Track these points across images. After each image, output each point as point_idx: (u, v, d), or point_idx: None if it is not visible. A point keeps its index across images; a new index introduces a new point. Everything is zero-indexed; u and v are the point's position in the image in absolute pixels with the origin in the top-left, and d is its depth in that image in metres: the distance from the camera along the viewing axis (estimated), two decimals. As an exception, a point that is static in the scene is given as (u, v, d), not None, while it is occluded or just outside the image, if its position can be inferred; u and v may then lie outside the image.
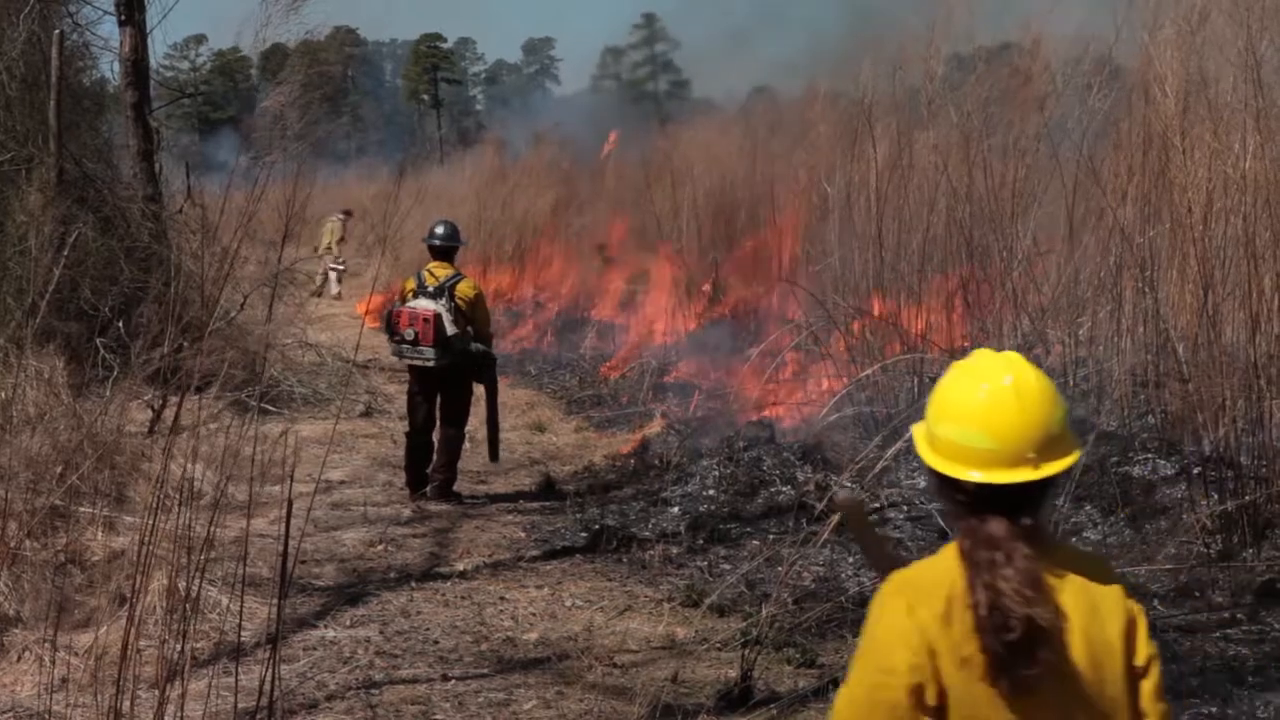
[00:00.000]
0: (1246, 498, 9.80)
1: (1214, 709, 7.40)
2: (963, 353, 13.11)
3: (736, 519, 11.69)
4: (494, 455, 13.05)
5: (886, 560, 3.67)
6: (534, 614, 9.31)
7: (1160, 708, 3.28)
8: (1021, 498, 3.21)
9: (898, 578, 3.34)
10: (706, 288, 22.48)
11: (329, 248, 32.66)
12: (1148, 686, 3.27)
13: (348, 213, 33.78)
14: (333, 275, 32.64)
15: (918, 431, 3.40)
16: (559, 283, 28.65)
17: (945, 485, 3.30)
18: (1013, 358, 3.33)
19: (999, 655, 3.12)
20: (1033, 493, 3.23)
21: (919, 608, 3.20)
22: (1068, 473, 3.25)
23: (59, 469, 9.79)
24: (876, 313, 14.41)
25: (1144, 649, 3.27)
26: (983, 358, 3.36)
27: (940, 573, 3.26)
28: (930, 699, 3.18)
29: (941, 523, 10.59)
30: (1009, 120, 14.33)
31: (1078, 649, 3.18)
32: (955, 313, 14.17)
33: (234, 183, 18.27)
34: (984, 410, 3.24)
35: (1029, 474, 3.19)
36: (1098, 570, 3.32)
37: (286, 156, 20.05)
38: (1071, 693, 3.17)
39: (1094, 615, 3.22)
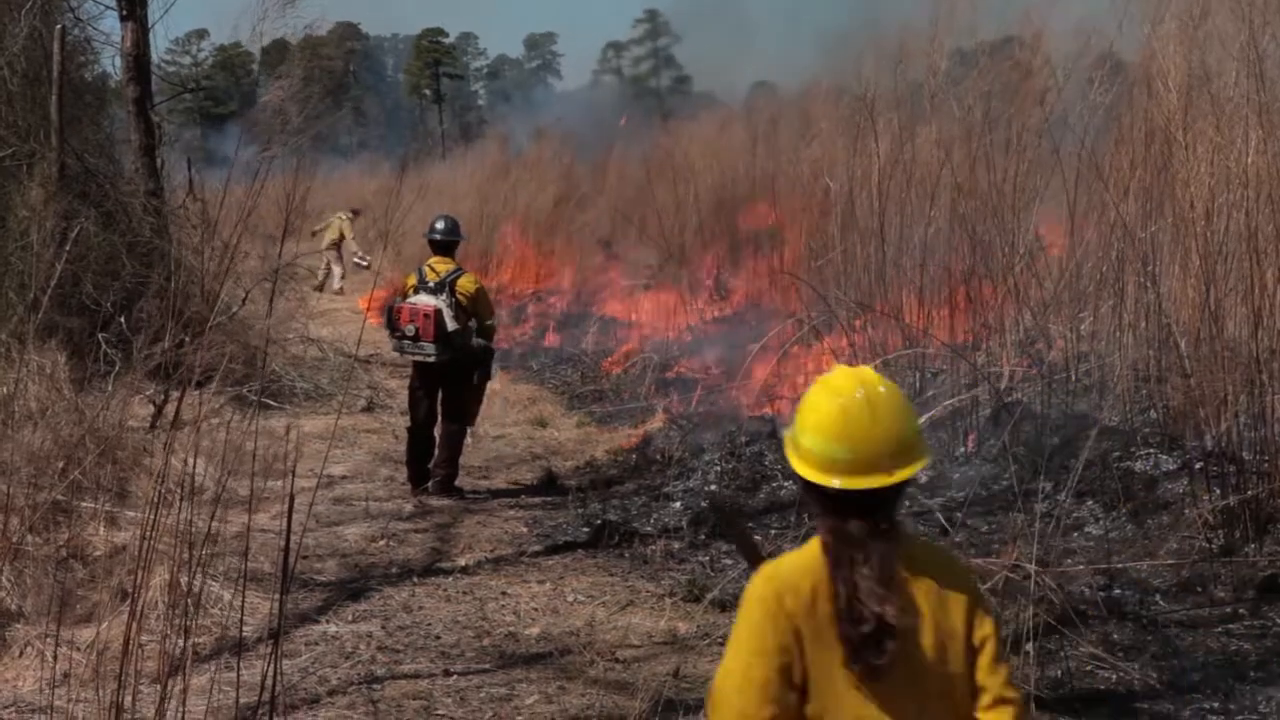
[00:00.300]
0: (1248, 493, 9.78)
1: (1216, 704, 7.40)
2: (964, 347, 13.14)
3: (739, 514, 11.68)
4: (471, 423, 13.05)
5: (756, 554, 4.18)
6: (536, 609, 9.31)
7: (997, 679, 3.59)
8: (878, 501, 3.53)
9: (769, 569, 3.65)
10: (709, 283, 22.49)
11: (332, 245, 32.67)
12: (984, 660, 3.58)
13: (355, 212, 33.79)
14: (336, 271, 32.68)
15: (787, 440, 3.67)
16: (561, 278, 28.67)
17: (810, 489, 3.59)
18: (865, 373, 3.63)
19: (853, 643, 3.47)
20: (888, 496, 3.55)
21: (787, 596, 3.53)
22: (918, 476, 3.59)
23: (61, 464, 9.79)
24: (878, 308, 14.39)
25: (981, 629, 3.59)
26: (839, 373, 3.64)
27: (806, 565, 3.59)
28: (796, 678, 3.51)
29: (941, 519, 10.60)
30: (1011, 115, 14.30)
31: (926, 638, 3.53)
32: (957, 307, 14.15)
33: (235, 177, 18.28)
34: (840, 423, 3.53)
35: (883, 480, 3.49)
36: (947, 563, 3.74)
37: (287, 151, 20.05)
38: (918, 676, 3.52)
39: (941, 606, 3.56)
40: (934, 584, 3.59)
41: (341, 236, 32.67)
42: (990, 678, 3.59)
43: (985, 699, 3.59)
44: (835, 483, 3.51)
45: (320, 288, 31.70)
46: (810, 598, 3.53)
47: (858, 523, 3.52)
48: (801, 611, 3.52)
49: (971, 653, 3.59)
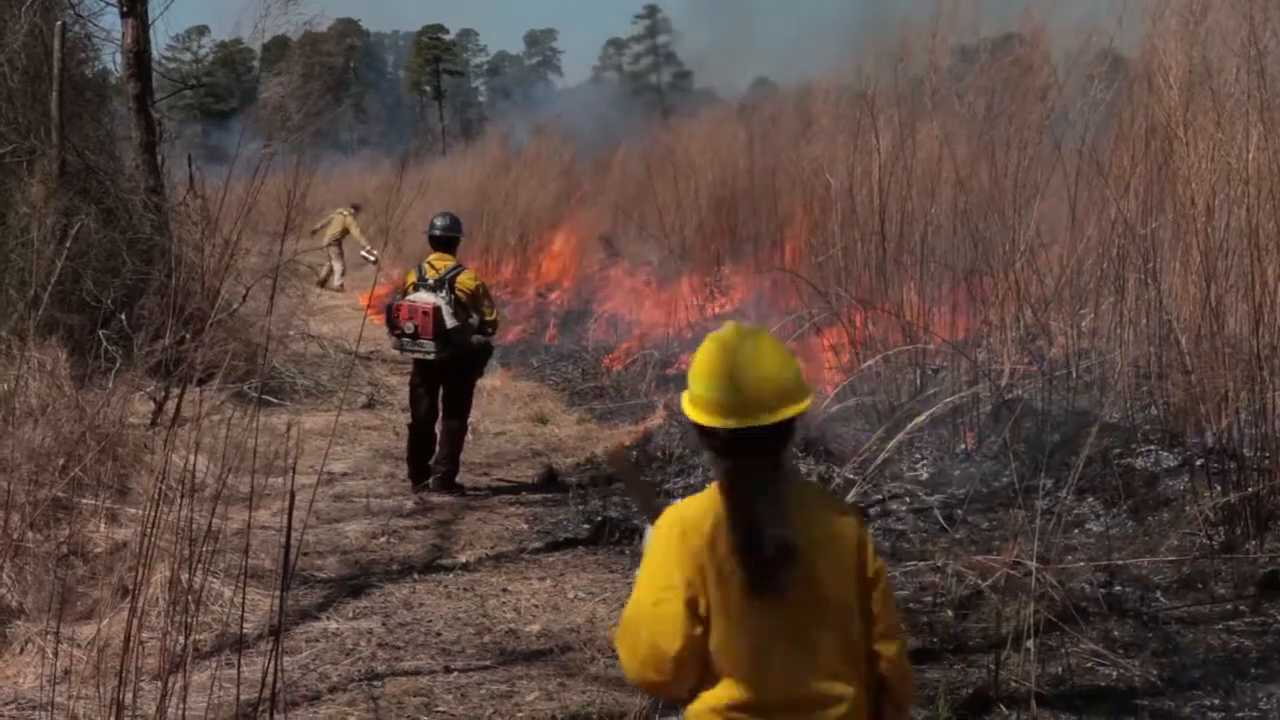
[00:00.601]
0: (1249, 489, 9.78)
1: (1217, 701, 7.40)
2: (965, 344, 13.14)
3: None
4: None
5: (653, 503, 4.35)
6: (536, 606, 9.31)
7: (888, 610, 3.99)
8: (766, 439, 3.84)
9: (672, 512, 3.96)
10: (710, 279, 22.48)
11: (334, 241, 32.70)
12: (878, 594, 3.96)
13: (356, 207, 33.82)
14: (337, 268, 32.72)
15: (684, 396, 3.96)
16: (562, 275, 28.67)
17: (704, 433, 3.93)
18: (752, 327, 4.00)
19: (753, 571, 3.76)
20: (776, 435, 3.85)
21: (690, 534, 3.82)
22: (803, 416, 3.89)
23: (61, 461, 9.79)
24: (878, 304, 14.39)
25: (874, 564, 3.98)
26: (727, 328, 3.98)
27: (706, 506, 3.89)
28: (701, 610, 3.78)
29: (940, 516, 10.61)
30: (1012, 111, 14.30)
31: (818, 563, 3.84)
32: (958, 304, 14.15)
33: (235, 173, 18.27)
34: (727, 369, 3.85)
35: (767, 419, 3.80)
36: (835, 503, 4.13)
37: (287, 148, 20.04)
38: (814, 604, 3.83)
39: (832, 540, 3.90)
40: (825, 520, 3.93)
41: (344, 232, 32.68)
42: (884, 609, 3.97)
43: (879, 628, 3.96)
44: (728, 423, 3.82)
45: (323, 283, 31.75)
46: (711, 535, 3.81)
47: (750, 461, 3.83)
48: (704, 548, 3.79)
49: (864, 585, 3.93)
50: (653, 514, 4.14)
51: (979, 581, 8.45)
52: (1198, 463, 10.41)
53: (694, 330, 20.47)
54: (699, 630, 3.78)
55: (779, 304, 18.26)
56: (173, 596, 6.63)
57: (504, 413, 16.78)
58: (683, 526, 3.86)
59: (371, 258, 31.96)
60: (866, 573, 3.94)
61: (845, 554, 3.91)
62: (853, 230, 15.47)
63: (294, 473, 7.58)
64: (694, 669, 3.82)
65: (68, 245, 13.25)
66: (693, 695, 3.90)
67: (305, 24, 23.44)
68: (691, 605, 3.78)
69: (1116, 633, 8.35)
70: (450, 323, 12.17)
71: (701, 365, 3.90)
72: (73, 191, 15.57)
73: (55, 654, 6.86)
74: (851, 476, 10.65)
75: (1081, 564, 9.36)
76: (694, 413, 3.90)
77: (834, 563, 3.88)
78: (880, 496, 11.70)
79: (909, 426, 8.93)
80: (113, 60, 19.69)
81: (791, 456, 4.00)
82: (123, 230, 16.12)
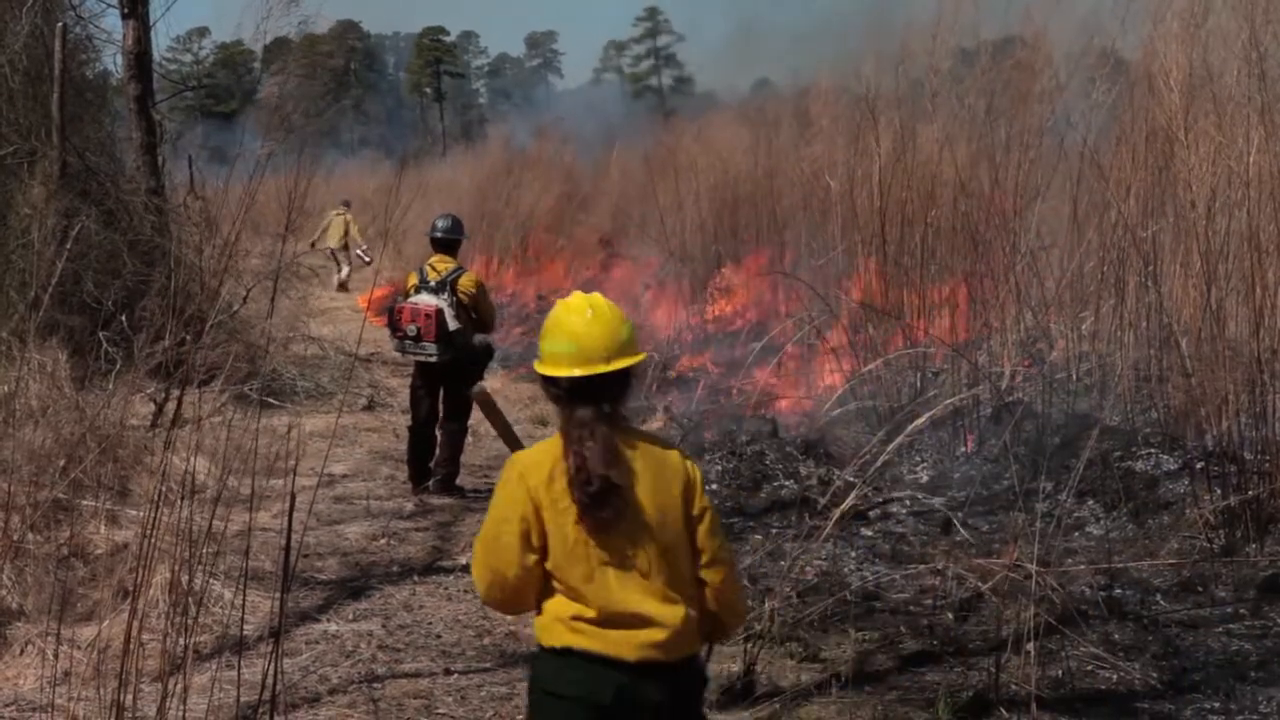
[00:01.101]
0: (1249, 493, 9.78)
1: (1217, 704, 7.39)
2: (966, 347, 13.14)
3: (739, 513, 11.69)
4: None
5: (515, 442, 5.20)
6: (536, 608, 9.30)
7: (714, 543, 4.53)
8: (601, 390, 4.42)
9: (516, 457, 4.59)
10: (710, 282, 22.49)
11: (344, 245, 32.75)
12: (703, 528, 4.50)
13: (347, 204, 33.86)
14: (344, 268, 32.77)
15: (536, 362, 4.55)
16: (562, 277, 28.67)
17: (549, 384, 4.53)
18: (592, 295, 4.59)
19: (585, 503, 4.32)
20: (610, 385, 4.44)
21: (529, 475, 4.41)
22: (638, 370, 4.51)
23: (62, 462, 9.79)
24: (879, 307, 14.39)
25: (699, 502, 4.51)
26: (574, 295, 4.60)
27: (547, 449, 4.48)
28: (535, 540, 4.39)
29: (942, 519, 10.61)
30: (1012, 114, 14.30)
31: (645, 499, 4.39)
32: (958, 307, 14.16)
33: (235, 175, 18.27)
34: (567, 325, 4.48)
35: (602, 368, 4.40)
36: (665, 448, 4.56)
37: (286, 149, 20.04)
38: (640, 533, 4.38)
39: (659, 476, 4.44)
40: (653, 462, 4.47)
41: (346, 233, 32.72)
42: (709, 542, 4.51)
43: (704, 558, 4.50)
44: (571, 372, 4.43)
45: (345, 285, 32.00)
46: (548, 474, 4.39)
47: (585, 408, 4.41)
48: (541, 486, 4.38)
49: (690, 521, 4.49)
50: (514, 450, 4.90)
51: (979, 584, 8.44)
52: (1198, 466, 10.42)
53: (694, 333, 20.48)
54: (533, 559, 4.40)
55: (780, 306, 18.29)
56: (173, 598, 6.62)
57: (505, 415, 16.76)
58: (521, 469, 4.46)
59: (367, 259, 32.01)
60: (692, 510, 4.49)
61: (671, 494, 4.46)
62: (853, 233, 15.49)
63: (294, 475, 7.58)
64: (531, 590, 4.46)
65: (68, 246, 13.25)
66: (540, 609, 4.50)
67: (301, 22, 23.36)
68: (525, 537, 4.38)
69: (1117, 636, 8.35)
70: (452, 325, 12.16)
71: (548, 326, 4.55)
72: (73, 193, 15.57)
73: (55, 656, 6.86)
74: (852, 479, 10.64)
75: (1082, 567, 9.36)
76: (541, 367, 4.52)
77: (660, 501, 4.43)
78: (880, 499, 11.71)
79: (909, 429, 8.91)
80: (114, 61, 19.66)
81: (628, 407, 4.58)
82: (123, 232, 16.11)
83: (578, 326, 4.46)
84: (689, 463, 4.56)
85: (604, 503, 4.32)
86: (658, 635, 4.38)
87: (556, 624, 4.44)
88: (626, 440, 4.46)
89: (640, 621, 4.37)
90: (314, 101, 22.23)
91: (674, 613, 4.40)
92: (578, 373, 4.42)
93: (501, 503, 4.47)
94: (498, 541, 4.44)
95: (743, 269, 22.53)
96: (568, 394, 4.44)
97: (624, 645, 4.37)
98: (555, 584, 4.44)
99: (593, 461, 4.33)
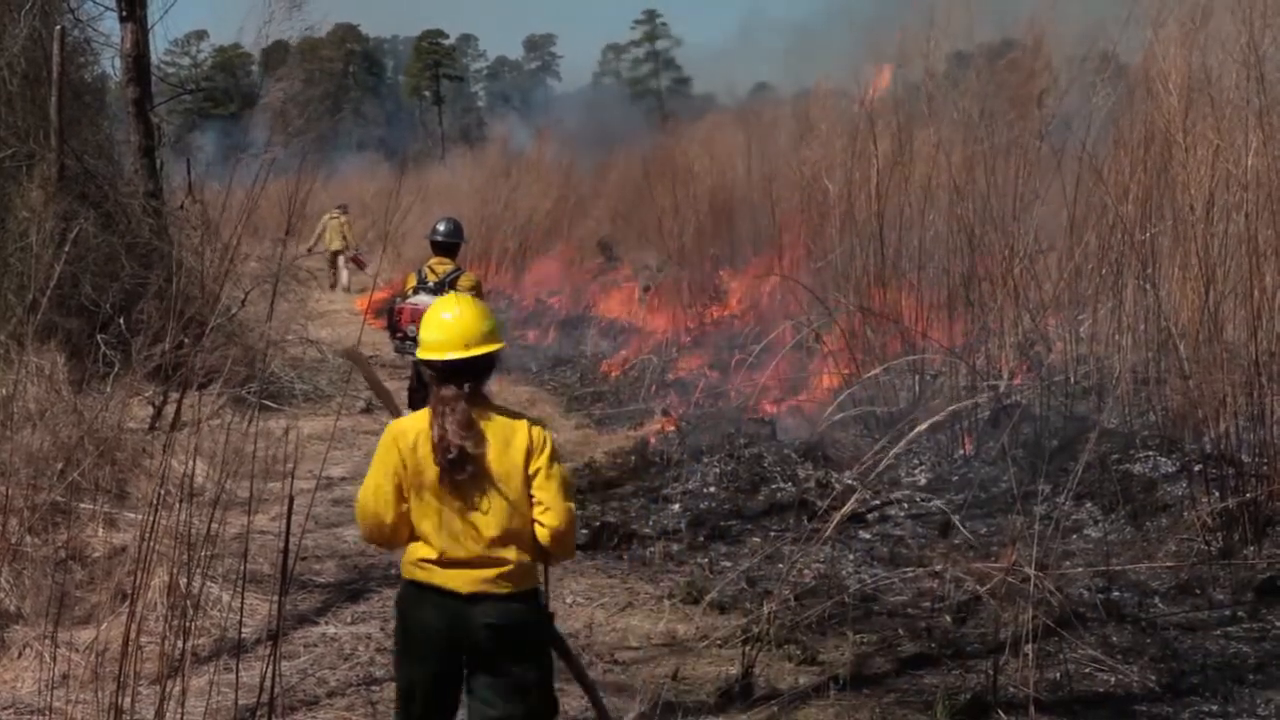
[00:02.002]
0: (1247, 495, 9.79)
1: (1215, 707, 7.40)
2: (963, 350, 13.14)
3: (737, 516, 11.70)
4: None
5: (392, 404, 6.29)
6: (534, 610, 9.28)
7: (549, 494, 5.44)
8: (464, 372, 5.43)
9: (392, 424, 5.59)
10: (709, 285, 22.49)
11: (345, 247, 32.80)
12: (538, 482, 5.44)
13: (343, 208, 33.89)
14: (344, 272, 32.83)
15: (418, 350, 5.65)
16: (560, 279, 28.67)
17: (425, 366, 5.60)
18: (461, 295, 5.97)
19: (444, 466, 5.34)
20: (470, 370, 5.45)
21: (399, 439, 5.44)
22: (498, 356, 5.55)
23: (60, 465, 9.79)
24: (878, 310, 14.39)
25: (534, 464, 5.46)
26: (448, 296, 6.00)
27: (416, 419, 5.51)
28: (406, 493, 5.42)
29: (940, 521, 10.60)
30: (1011, 118, 14.30)
31: (494, 463, 5.40)
32: (956, 310, 14.15)
33: (236, 178, 18.27)
34: (438, 318, 5.55)
35: (462, 353, 5.42)
36: (515, 420, 5.54)
37: (288, 153, 20.03)
38: (486, 488, 5.40)
39: (507, 443, 5.44)
40: (503, 432, 5.47)
41: (344, 241, 32.78)
42: (542, 492, 5.44)
43: (539, 508, 5.44)
44: (442, 356, 5.45)
45: (347, 287, 32.03)
46: (414, 440, 5.41)
47: (449, 387, 5.41)
48: (408, 449, 5.40)
49: (528, 480, 5.44)
50: (392, 411, 6.03)
51: (977, 587, 8.45)
52: (1196, 468, 10.42)
53: (692, 336, 20.48)
54: (404, 506, 5.44)
55: (778, 309, 18.28)
56: (171, 601, 6.62)
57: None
58: (395, 435, 5.48)
59: (362, 265, 32.10)
60: (529, 470, 5.44)
61: (515, 459, 5.43)
62: (850, 236, 15.48)
63: (292, 477, 7.57)
64: (403, 531, 5.49)
65: (66, 249, 13.25)
66: (406, 549, 5.55)
67: (307, 29, 23.37)
68: (398, 489, 5.42)
69: (1115, 638, 8.35)
70: (450, 326, 12.14)
71: (427, 320, 5.60)
72: (72, 196, 15.56)
73: (53, 659, 6.85)
74: (850, 482, 10.65)
75: (1080, 569, 9.37)
76: (421, 352, 5.57)
77: (505, 465, 5.42)
78: (879, 502, 11.71)
79: (909, 437, 8.91)
80: (112, 65, 19.64)
81: (489, 386, 5.60)
82: (121, 234, 16.10)
83: (445, 321, 5.53)
84: (535, 430, 5.55)
85: (459, 467, 5.34)
86: (488, 573, 5.42)
87: (409, 564, 5.56)
88: (482, 414, 5.46)
89: (481, 562, 5.42)
90: (315, 105, 22.17)
91: (504, 555, 5.42)
92: (442, 357, 5.47)
93: (379, 461, 5.49)
94: (378, 493, 5.46)
95: (741, 272, 22.53)
96: (438, 375, 5.49)
97: (458, 580, 5.43)
98: (415, 531, 5.48)
99: (451, 433, 5.35)
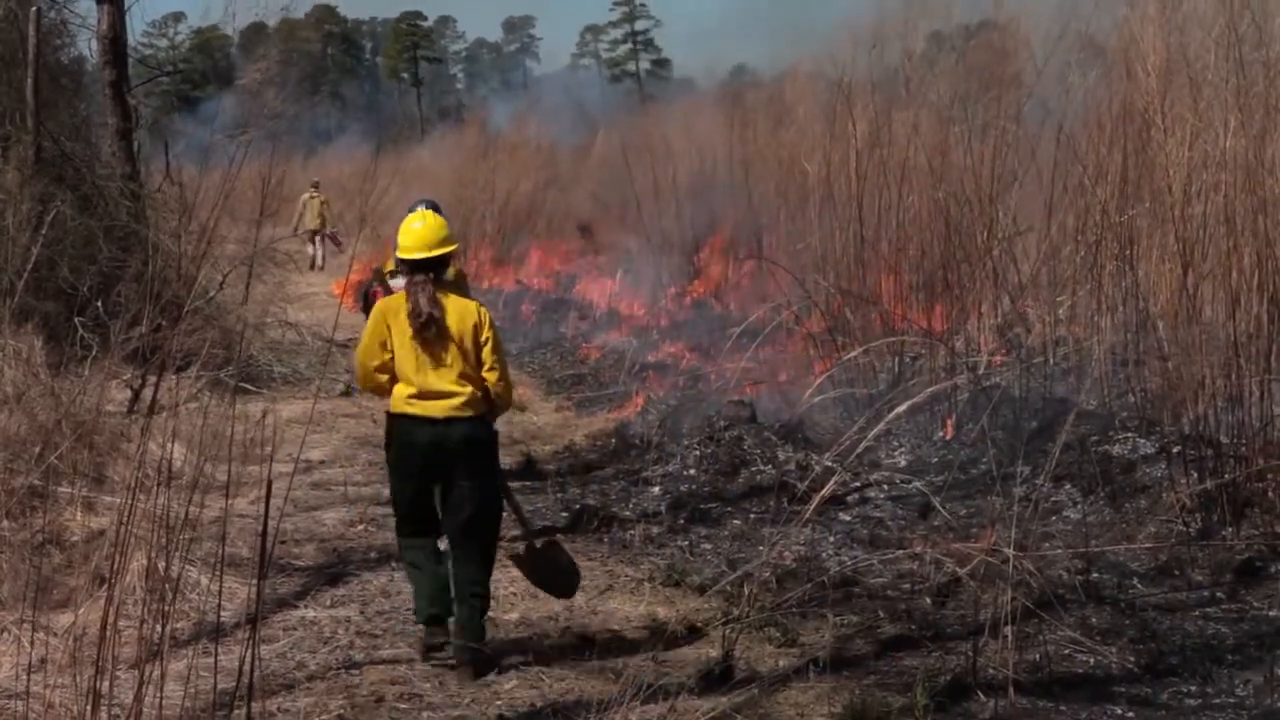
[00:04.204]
0: (1226, 476, 9.81)
1: (1193, 687, 7.42)
2: (945, 335, 13.15)
3: (718, 499, 11.70)
4: None
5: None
6: (515, 594, 9.29)
7: (492, 357, 7.85)
8: (429, 266, 7.85)
9: (379, 304, 8.18)
10: (688, 267, 22.48)
11: (323, 225, 32.79)
12: (486, 349, 7.83)
13: (315, 184, 33.93)
14: (319, 251, 32.79)
15: (395, 251, 8.28)
16: (540, 262, 28.63)
17: (401, 264, 8.07)
18: (425, 210, 8.79)
19: (416, 326, 7.68)
20: (432, 264, 7.88)
21: (386, 312, 7.86)
22: (454, 254, 8.21)
23: (37, 449, 9.76)
24: (856, 292, 14.39)
25: (484, 333, 7.84)
26: (417, 211, 8.72)
27: (396, 299, 7.91)
28: (389, 346, 7.77)
29: (920, 502, 10.61)
30: (987, 99, 14.30)
31: (452, 326, 7.73)
32: (935, 291, 14.15)
33: (213, 160, 18.20)
34: (410, 229, 7.99)
35: (426, 253, 7.87)
36: (465, 299, 8.02)
37: (262, 136, 19.95)
38: (448, 343, 7.73)
39: (462, 315, 7.80)
40: (458, 307, 7.85)
41: (322, 219, 32.76)
42: (489, 357, 7.85)
43: (486, 366, 7.84)
44: (412, 255, 7.89)
45: (321, 266, 32.05)
46: (396, 308, 7.81)
47: (420, 275, 7.82)
48: (391, 314, 7.82)
49: (478, 345, 7.81)
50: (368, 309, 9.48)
51: (957, 569, 8.45)
52: (1175, 450, 10.44)
53: (672, 318, 20.47)
54: (386, 356, 7.79)
55: (758, 291, 18.28)
56: (150, 585, 6.60)
57: None
58: (383, 309, 7.94)
59: (338, 245, 32.10)
60: (479, 338, 7.82)
61: (468, 325, 7.80)
62: (829, 217, 15.48)
63: (271, 461, 7.53)
64: (384, 376, 7.83)
65: (43, 232, 13.22)
66: (392, 392, 7.85)
67: (283, 9, 23.29)
68: (383, 344, 7.80)
69: (1094, 620, 8.37)
70: (428, 309, 12.13)
71: (403, 230, 8.04)
72: (48, 178, 15.50)
73: (31, 643, 6.83)
74: (830, 464, 10.65)
75: (1059, 551, 9.38)
76: (400, 253, 7.98)
77: (460, 329, 7.77)
78: (859, 484, 11.72)
79: (888, 418, 8.91)
80: (88, 46, 19.53)
81: (449, 275, 8.50)
82: (99, 217, 16.04)
83: (415, 230, 7.99)
84: (481, 310, 7.95)
85: (427, 327, 7.69)
86: (455, 402, 7.74)
87: (398, 400, 7.80)
88: (443, 293, 7.84)
89: (445, 395, 7.73)
90: (292, 87, 22.10)
91: (465, 389, 7.76)
92: (415, 256, 7.89)
93: (371, 327, 7.92)
94: (369, 349, 7.84)
95: (720, 255, 22.52)
96: (410, 268, 7.89)
97: (434, 408, 7.71)
98: (398, 375, 7.77)
99: (421, 304, 7.69)
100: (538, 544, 8.53)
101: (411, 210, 12.93)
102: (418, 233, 7.90)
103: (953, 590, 8.83)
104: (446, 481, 7.75)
